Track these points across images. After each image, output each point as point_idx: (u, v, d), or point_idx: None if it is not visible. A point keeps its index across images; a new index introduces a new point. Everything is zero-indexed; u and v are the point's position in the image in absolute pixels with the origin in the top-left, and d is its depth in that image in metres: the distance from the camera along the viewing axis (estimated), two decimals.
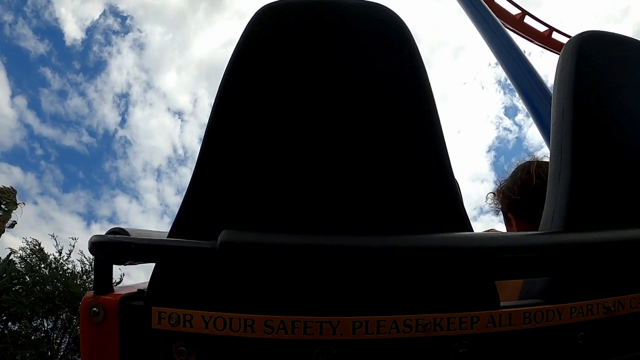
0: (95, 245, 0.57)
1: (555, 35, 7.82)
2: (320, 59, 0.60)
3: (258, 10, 0.60)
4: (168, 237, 0.58)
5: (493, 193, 1.32)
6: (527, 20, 7.75)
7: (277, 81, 0.59)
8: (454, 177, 0.60)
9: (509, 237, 0.60)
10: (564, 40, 7.76)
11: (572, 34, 0.73)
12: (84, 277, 10.17)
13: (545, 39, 7.83)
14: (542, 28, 7.86)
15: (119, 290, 0.61)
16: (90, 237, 0.58)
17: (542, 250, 0.59)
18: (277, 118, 0.59)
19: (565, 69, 0.68)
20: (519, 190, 1.19)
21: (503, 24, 5.45)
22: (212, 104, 0.58)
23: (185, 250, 0.54)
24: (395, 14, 0.61)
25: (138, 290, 0.60)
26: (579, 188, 0.65)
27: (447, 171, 0.59)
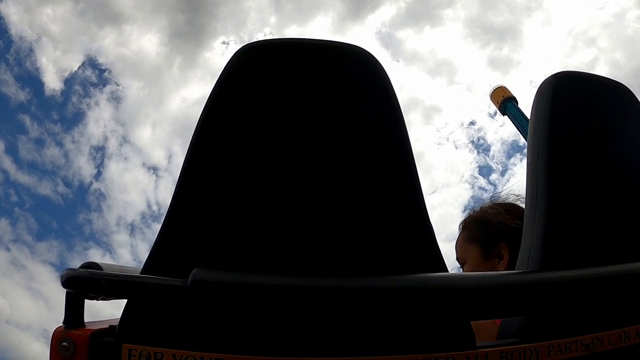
0: (66, 279, 0.57)
1: None
2: (298, 100, 0.60)
3: (238, 50, 0.61)
4: (141, 273, 0.57)
5: (463, 224, 1.23)
6: None
7: (254, 120, 0.59)
8: (428, 217, 0.60)
9: (484, 277, 0.60)
10: None
11: None
12: None
13: None
14: None
15: (90, 325, 0.60)
16: (63, 270, 0.58)
17: (518, 289, 0.59)
18: (253, 157, 0.59)
19: (540, 110, 0.69)
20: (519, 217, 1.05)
21: None
22: (190, 141, 0.58)
23: (156, 287, 0.54)
24: (372, 55, 0.62)
25: (109, 325, 0.59)
26: (555, 227, 0.65)
27: (422, 211, 0.59)
